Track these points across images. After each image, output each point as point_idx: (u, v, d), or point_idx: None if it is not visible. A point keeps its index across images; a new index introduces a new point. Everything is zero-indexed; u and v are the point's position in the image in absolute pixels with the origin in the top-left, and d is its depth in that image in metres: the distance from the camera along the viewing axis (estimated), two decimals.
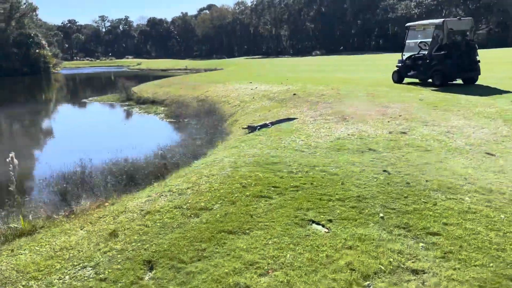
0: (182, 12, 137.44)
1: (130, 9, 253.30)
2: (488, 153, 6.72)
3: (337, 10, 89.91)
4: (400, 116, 9.88)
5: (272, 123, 9.92)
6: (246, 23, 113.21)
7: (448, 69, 14.54)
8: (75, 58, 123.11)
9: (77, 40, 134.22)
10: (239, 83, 20.58)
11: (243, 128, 9.92)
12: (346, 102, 12.44)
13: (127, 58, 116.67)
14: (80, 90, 37.38)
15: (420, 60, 15.90)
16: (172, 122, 16.28)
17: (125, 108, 20.88)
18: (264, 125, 9.78)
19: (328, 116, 10.55)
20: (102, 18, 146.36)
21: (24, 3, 71.70)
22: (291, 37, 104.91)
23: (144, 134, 14.81)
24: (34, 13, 74.63)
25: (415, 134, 8.14)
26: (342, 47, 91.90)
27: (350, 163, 6.54)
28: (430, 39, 15.47)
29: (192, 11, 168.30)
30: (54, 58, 75.63)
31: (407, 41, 16.78)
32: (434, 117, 9.53)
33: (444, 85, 14.59)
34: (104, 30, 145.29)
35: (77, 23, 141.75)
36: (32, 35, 69.05)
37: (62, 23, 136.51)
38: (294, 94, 14.94)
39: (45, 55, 70.43)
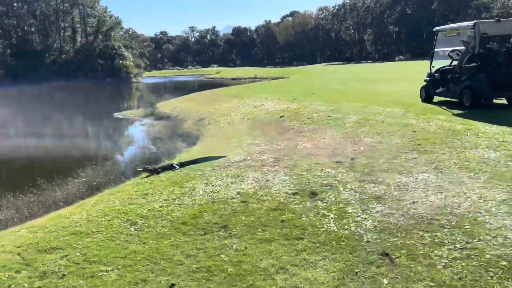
0: (265, 20, 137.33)
1: (217, 20, 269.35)
2: (384, 255, 3.90)
3: (423, 12, 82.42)
4: (352, 159, 7.07)
5: (183, 164, 7.69)
6: (328, 29, 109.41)
7: (481, 85, 10.97)
8: (165, 67, 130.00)
9: (167, 50, 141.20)
10: (254, 97, 18.42)
11: (138, 170, 7.83)
12: (318, 131, 9.75)
13: (212, 66, 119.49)
14: (131, 101, 37.73)
15: (449, 74, 12.42)
16: (132, 150, 13.99)
17: (135, 124, 19.76)
18: (169, 167, 7.60)
19: (267, 154, 8.05)
20: (192, 29, 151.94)
21: (110, 17, 76.61)
22: (375, 42, 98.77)
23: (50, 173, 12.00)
24: (119, 26, 79.36)
25: (327, 198, 5.41)
26: (432, 51, 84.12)
27: (154, 260, 4.20)
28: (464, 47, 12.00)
29: (275, 19, 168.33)
30: (137, 68, 79.38)
31: (436, 49, 13.26)
32: (395, 165, 6.56)
33: (476, 107, 11.04)
34: (193, 40, 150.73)
35: (168, 34, 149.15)
36: (115, 47, 73.29)
37: (154, 34, 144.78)
38: (281, 117, 12.48)
39: (127, 66, 74.29)
